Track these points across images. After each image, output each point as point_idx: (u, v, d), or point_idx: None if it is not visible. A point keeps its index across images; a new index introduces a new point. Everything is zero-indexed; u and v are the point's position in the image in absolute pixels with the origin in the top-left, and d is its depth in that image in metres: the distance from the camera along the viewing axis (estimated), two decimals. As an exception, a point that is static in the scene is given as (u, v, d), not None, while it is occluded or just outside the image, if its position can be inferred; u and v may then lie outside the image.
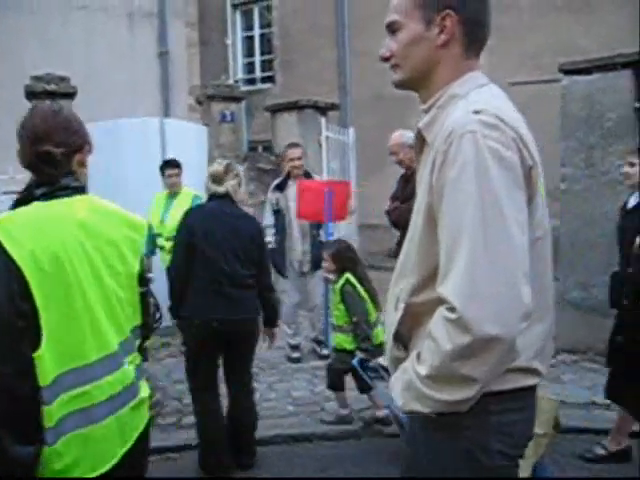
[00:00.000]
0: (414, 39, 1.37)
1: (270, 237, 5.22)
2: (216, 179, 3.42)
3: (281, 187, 5.45)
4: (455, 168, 1.19)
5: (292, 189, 5.33)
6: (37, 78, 6.33)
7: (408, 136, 4.24)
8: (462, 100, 1.31)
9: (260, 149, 10.75)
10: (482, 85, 1.38)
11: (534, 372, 1.32)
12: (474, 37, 1.40)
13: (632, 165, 3.44)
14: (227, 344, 3.39)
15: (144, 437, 1.75)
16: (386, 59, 1.44)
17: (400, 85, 1.45)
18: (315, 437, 3.93)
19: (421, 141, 1.43)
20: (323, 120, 7.72)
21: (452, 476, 1.30)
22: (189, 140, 7.07)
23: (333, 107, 8.34)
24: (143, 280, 1.80)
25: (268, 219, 5.46)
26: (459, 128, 1.21)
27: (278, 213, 5.40)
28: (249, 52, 13.96)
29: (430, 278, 1.27)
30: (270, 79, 13.38)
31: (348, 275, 3.82)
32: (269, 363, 5.36)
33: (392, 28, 1.41)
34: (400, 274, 1.42)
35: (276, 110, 7.84)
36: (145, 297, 1.83)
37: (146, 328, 1.87)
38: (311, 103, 7.65)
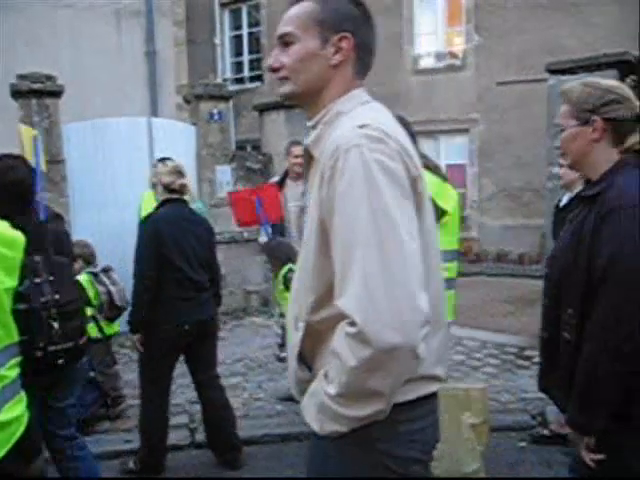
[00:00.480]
0: (308, 55, 1.38)
1: (264, 237, 5.19)
2: (169, 183, 3.41)
3: (280, 185, 5.33)
4: (344, 182, 1.20)
5: (292, 187, 5.18)
6: (23, 77, 6.28)
7: None
8: (346, 116, 1.34)
9: (249, 148, 10.74)
10: (366, 102, 1.41)
11: (436, 379, 1.35)
12: (364, 62, 1.43)
13: (562, 166, 3.50)
14: (189, 346, 3.44)
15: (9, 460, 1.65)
16: (275, 70, 1.44)
17: (288, 98, 1.46)
18: (304, 436, 3.93)
19: (309, 157, 1.46)
20: (311, 119, 7.72)
21: None
22: (177, 139, 7.05)
23: (322, 106, 8.35)
24: (23, 297, 1.77)
25: None
26: (345, 143, 1.22)
27: None
28: (237, 51, 13.93)
29: (327, 295, 1.27)
30: (258, 78, 13.36)
31: (290, 265, 3.90)
32: (258, 362, 5.37)
33: (285, 40, 1.42)
34: (297, 293, 1.41)
35: (264, 109, 7.84)
36: (27, 314, 1.78)
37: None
38: (299, 102, 7.65)
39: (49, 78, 6.39)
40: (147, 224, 3.40)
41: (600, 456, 1.69)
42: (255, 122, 8.35)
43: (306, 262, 1.36)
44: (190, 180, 3.60)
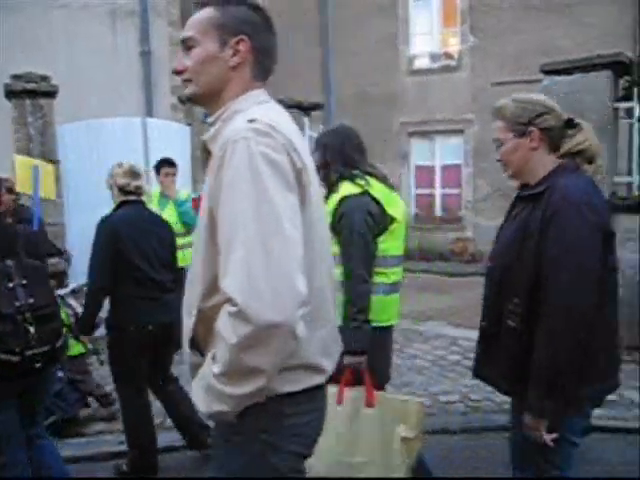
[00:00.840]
0: (208, 58, 1.46)
1: None
2: (124, 185, 3.39)
3: None
4: (230, 171, 1.27)
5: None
6: (17, 77, 6.25)
7: None
8: (242, 114, 1.40)
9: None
10: (262, 102, 1.48)
11: (321, 370, 1.42)
12: (262, 64, 1.52)
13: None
14: (154, 347, 3.42)
15: None
16: (179, 72, 1.51)
17: (192, 99, 1.54)
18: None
19: (207, 153, 1.53)
20: (306, 120, 7.72)
21: (245, 476, 1.38)
22: (172, 140, 7.03)
23: (317, 107, 8.35)
24: None
25: None
26: (234, 135, 1.30)
27: None
28: (232, 51, 13.94)
29: (217, 283, 1.31)
30: (253, 79, 13.37)
31: None
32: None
33: (187, 44, 1.49)
34: (190, 282, 1.48)
35: (260, 110, 7.83)
36: (2, 319, 1.89)
37: None
38: (294, 102, 7.64)
39: (43, 78, 6.36)
40: (104, 225, 3.35)
41: (556, 435, 1.85)
42: (250, 122, 8.34)
43: (197, 252, 1.43)
44: (144, 181, 3.56)
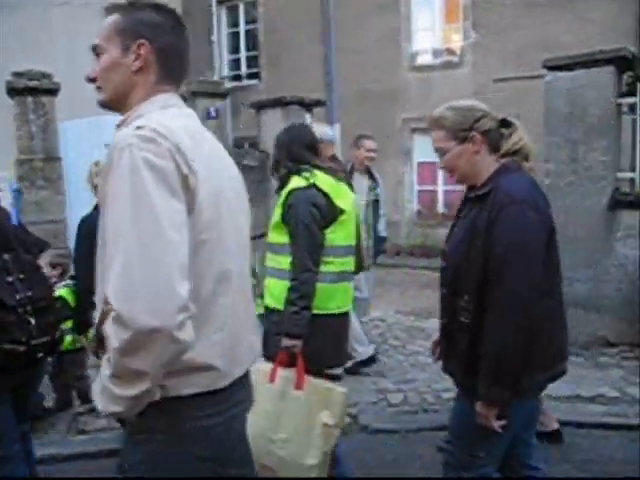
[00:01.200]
0: (112, 64, 1.49)
1: None
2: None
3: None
4: (114, 178, 1.29)
5: (359, 181, 5.02)
6: (19, 74, 6.25)
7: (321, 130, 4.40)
8: (142, 119, 1.40)
9: (246, 146, 10.72)
10: (166, 106, 1.48)
11: (218, 374, 1.41)
12: (168, 67, 1.51)
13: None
14: None
15: None
16: (92, 80, 1.54)
17: (103, 105, 1.56)
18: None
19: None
20: (308, 116, 7.69)
21: (142, 473, 1.40)
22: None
23: (318, 103, 8.33)
24: None
25: None
26: (120, 142, 1.32)
27: None
28: (234, 48, 13.91)
29: None
30: (255, 75, 13.34)
31: None
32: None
33: (96, 52, 1.53)
34: (100, 281, 1.50)
35: (261, 107, 7.82)
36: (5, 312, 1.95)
37: None
38: (296, 99, 7.63)
39: (45, 76, 6.36)
40: (84, 225, 3.32)
41: (504, 422, 1.97)
42: (252, 120, 8.33)
43: (98, 256, 1.45)
44: None
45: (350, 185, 3.00)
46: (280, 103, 7.56)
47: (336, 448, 2.75)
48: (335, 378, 4.58)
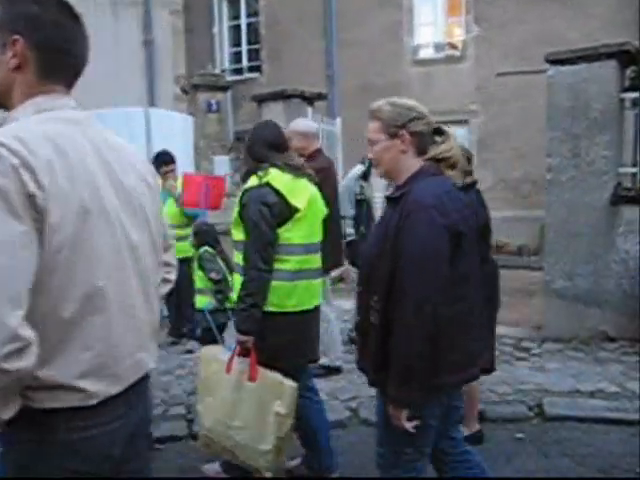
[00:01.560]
0: None
1: (350, 228, 4.99)
2: None
3: (365, 176, 5.10)
4: None
5: (378, 178, 4.97)
6: (19, 66, 6.23)
7: (304, 124, 4.43)
8: (13, 124, 1.33)
9: (247, 139, 10.71)
10: (42, 110, 1.38)
11: (83, 392, 1.35)
12: (51, 63, 1.41)
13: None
14: None
15: None
16: None
17: None
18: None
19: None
20: (310, 110, 7.69)
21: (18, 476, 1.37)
22: (174, 130, 7.03)
23: (320, 97, 8.31)
24: None
25: (348, 210, 5.03)
26: None
27: (362, 203, 5.08)
28: (235, 41, 13.86)
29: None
30: (257, 69, 13.30)
31: (207, 247, 4.39)
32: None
33: None
34: None
35: (263, 100, 7.80)
36: None
37: None
38: (298, 93, 7.62)
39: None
40: None
41: (416, 422, 1.99)
42: (253, 113, 8.31)
43: None
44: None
45: (316, 183, 3.00)
46: (281, 96, 7.55)
47: (332, 441, 2.79)
48: (335, 371, 4.63)
